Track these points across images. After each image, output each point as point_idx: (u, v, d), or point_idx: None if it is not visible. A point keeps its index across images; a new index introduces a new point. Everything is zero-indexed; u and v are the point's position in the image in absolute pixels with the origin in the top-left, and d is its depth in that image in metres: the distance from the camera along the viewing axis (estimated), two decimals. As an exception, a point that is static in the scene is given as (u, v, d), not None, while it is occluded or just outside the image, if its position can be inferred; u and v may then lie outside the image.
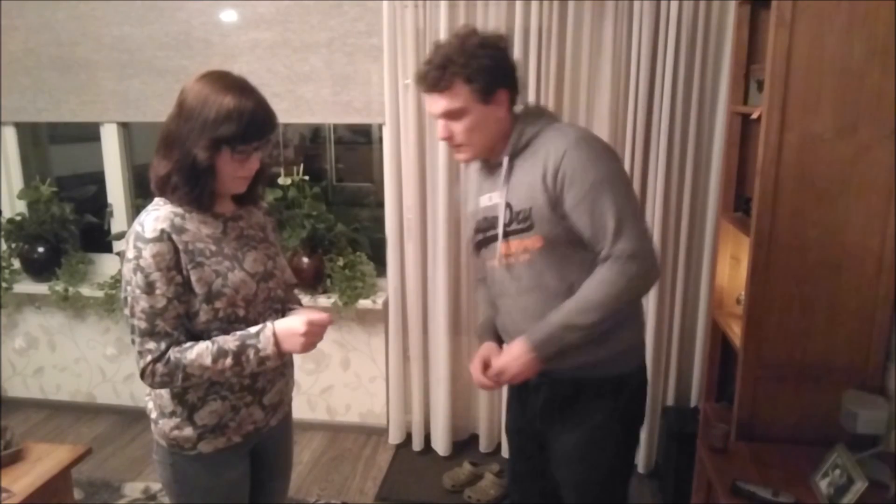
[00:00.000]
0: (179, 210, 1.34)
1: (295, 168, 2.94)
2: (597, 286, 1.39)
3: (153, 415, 1.45)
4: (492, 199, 1.51)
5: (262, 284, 1.42)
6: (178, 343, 1.32)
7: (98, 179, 3.23)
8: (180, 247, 1.30)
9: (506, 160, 1.47)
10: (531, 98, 2.57)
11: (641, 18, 2.43)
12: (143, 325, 1.29)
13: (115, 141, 3.14)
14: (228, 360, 1.31)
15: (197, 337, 1.35)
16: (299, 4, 2.79)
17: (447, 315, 2.82)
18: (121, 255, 1.32)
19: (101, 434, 3.20)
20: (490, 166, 1.53)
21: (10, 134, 3.25)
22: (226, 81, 1.31)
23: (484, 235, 1.55)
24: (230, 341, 1.33)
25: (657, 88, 2.49)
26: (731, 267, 2.31)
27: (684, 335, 2.72)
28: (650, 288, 1.51)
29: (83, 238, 3.32)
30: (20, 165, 3.28)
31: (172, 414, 1.40)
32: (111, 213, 3.23)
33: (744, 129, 2.24)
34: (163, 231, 1.29)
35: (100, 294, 3.08)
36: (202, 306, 1.33)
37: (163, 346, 1.30)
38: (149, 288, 1.28)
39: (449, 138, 1.46)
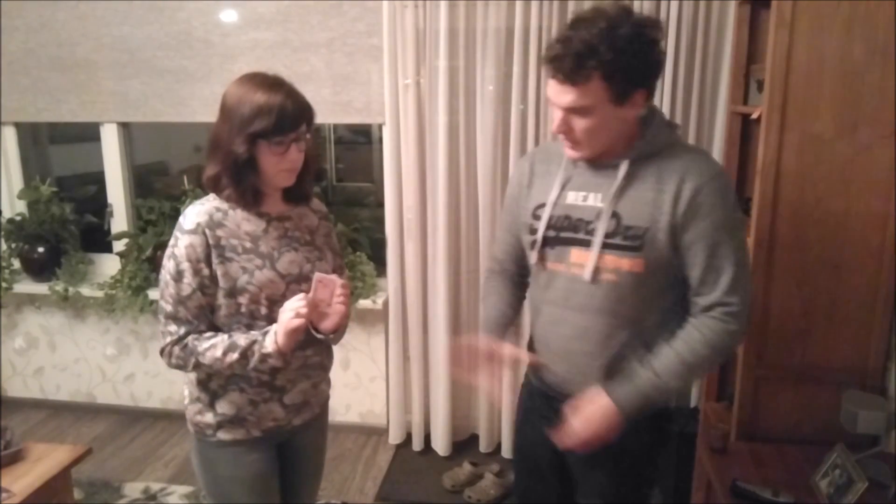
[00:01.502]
0: (224, 205, 1.41)
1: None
2: (701, 345, 1.27)
3: (186, 401, 1.52)
4: (588, 199, 1.32)
5: (294, 286, 1.44)
6: (199, 331, 1.40)
7: (98, 179, 3.23)
8: (212, 241, 1.37)
9: (625, 165, 1.28)
10: (531, 99, 2.57)
11: (641, 18, 2.43)
12: (168, 308, 1.39)
13: (115, 141, 3.14)
14: (235, 355, 1.37)
15: (220, 329, 1.42)
16: (299, 4, 2.79)
17: (447, 315, 2.82)
18: None
19: (101, 434, 3.20)
20: (595, 163, 1.33)
21: (10, 134, 3.24)
22: (258, 80, 1.37)
23: (558, 234, 1.35)
24: (242, 338, 1.39)
25: (657, 88, 2.48)
26: (731, 267, 2.31)
27: (684, 335, 2.72)
28: (725, 359, 1.44)
29: (83, 238, 3.31)
30: (20, 165, 3.28)
31: (197, 400, 1.48)
32: (111, 213, 3.23)
33: (744, 129, 2.24)
34: (198, 224, 1.37)
35: (100, 294, 3.07)
36: (226, 300, 1.40)
37: (182, 331, 1.39)
38: (178, 276, 1.37)
39: (566, 132, 1.27)
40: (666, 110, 2.48)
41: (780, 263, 1.85)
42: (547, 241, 1.37)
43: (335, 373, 3.10)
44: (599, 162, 1.33)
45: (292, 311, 1.35)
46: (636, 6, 2.43)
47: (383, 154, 2.83)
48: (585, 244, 1.32)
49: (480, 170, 2.71)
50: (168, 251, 1.39)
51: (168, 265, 1.38)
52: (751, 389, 1.93)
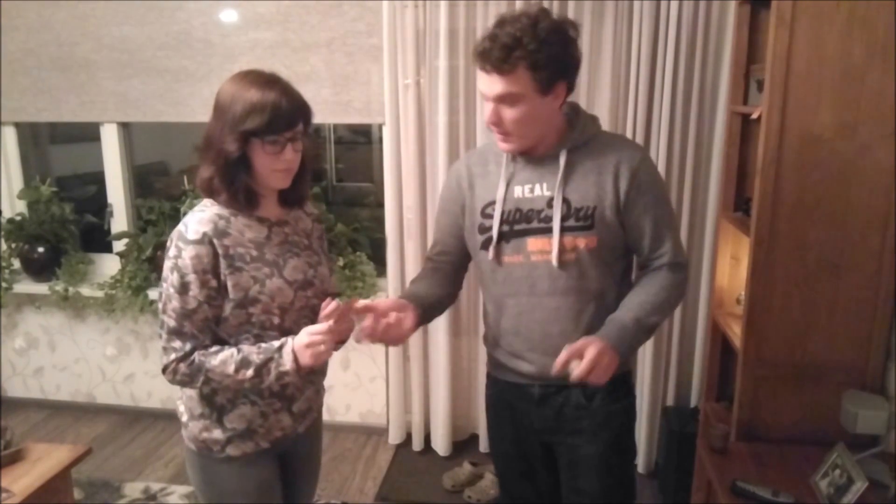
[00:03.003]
0: (225, 212, 1.35)
1: (295, 168, 2.94)
2: (663, 289, 1.42)
3: (184, 418, 1.46)
4: (535, 190, 1.42)
5: (301, 293, 1.41)
6: (204, 346, 1.34)
7: (98, 179, 3.23)
8: (220, 251, 1.31)
9: (564, 154, 1.40)
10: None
11: (641, 18, 2.43)
12: (171, 323, 1.32)
13: (115, 141, 3.14)
14: (250, 372, 1.32)
15: (225, 341, 1.37)
16: (299, 4, 2.79)
17: (447, 315, 2.82)
18: (164, 251, 1.35)
19: (101, 434, 3.20)
20: (533, 157, 1.43)
21: (10, 134, 3.24)
22: (252, 77, 1.32)
23: (512, 227, 1.43)
24: (254, 353, 1.33)
25: (657, 88, 2.49)
26: (731, 267, 2.31)
27: (684, 335, 2.72)
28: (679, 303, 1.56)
29: (83, 238, 3.32)
30: (20, 165, 3.28)
31: (202, 416, 1.42)
32: (111, 213, 3.23)
33: (744, 129, 2.24)
34: (204, 234, 1.31)
35: (100, 294, 3.07)
36: (235, 311, 1.34)
37: (188, 346, 1.33)
38: (182, 289, 1.31)
39: (497, 123, 1.36)
40: (666, 110, 2.48)
41: (780, 263, 1.85)
42: (502, 236, 1.44)
43: (335, 373, 3.11)
44: (537, 156, 1.43)
45: (307, 347, 1.30)
46: (636, 6, 2.43)
47: (383, 154, 2.83)
48: (541, 231, 1.41)
49: (480, 170, 2.71)
50: (169, 263, 1.32)
51: (171, 278, 1.31)
52: (751, 389, 1.93)
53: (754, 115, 1.94)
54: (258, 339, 1.37)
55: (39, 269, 3.20)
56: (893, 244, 1.79)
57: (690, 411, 2.61)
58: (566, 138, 1.42)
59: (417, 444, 3.03)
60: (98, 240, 3.29)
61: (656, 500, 2.64)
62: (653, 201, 1.41)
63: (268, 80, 1.31)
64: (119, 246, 3.16)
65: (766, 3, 1.83)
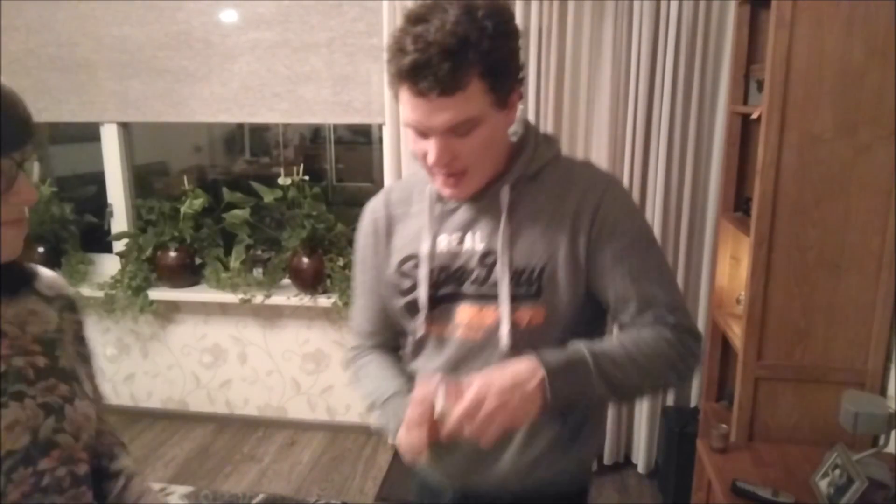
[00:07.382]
0: None
1: (295, 168, 2.95)
2: (651, 342, 0.98)
3: None
4: (465, 241, 1.05)
5: (28, 467, 0.75)
6: None
7: (98, 179, 3.23)
8: None
9: (507, 190, 1.02)
10: (531, 99, 2.57)
11: (641, 18, 2.43)
12: None
13: (115, 141, 3.13)
14: None
15: None
16: (299, 4, 2.79)
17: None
18: None
19: (101, 434, 3.20)
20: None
21: (10, 134, 3.24)
22: None
23: (436, 292, 1.06)
24: None
25: (657, 88, 2.49)
26: (731, 267, 2.31)
27: (684, 335, 2.71)
28: (682, 382, 1.22)
29: (83, 238, 3.31)
30: (20, 165, 3.28)
31: None
32: (111, 213, 3.22)
33: (744, 129, 2.24)
34: None
35: (100, 294, 3.07)
36: None
37: None
38: None
39: (448, 164, 0.97)
40: (666, 110, 2.48)
41: (780, 263, 1.85)
42: (435, 302, 1.07)
43: (335, 373, 3.11)
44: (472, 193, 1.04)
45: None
46: (636, 6, 2.43)
47: (383, 154, 2.83)
48: (475, 299, 1.04)
49: (480, 170, 2.71)
50: None
51: None
52: (751, 389, 1.93)
53: (754, 115, 1.94)
54: None
55: (39, 269, 3.19)
56: (893, 244, 1.79)
57: (690, 411, 2.61)
58: (511, 168, 1.03)
59: (417, 444, 3.02)
60: (98, 240, 3.29)
61: (656, 500, 2.64)
62: (627, 244, 1.00)
63: None
64: (119, 246, 3.16)
65: (766, 4, 1.83)
